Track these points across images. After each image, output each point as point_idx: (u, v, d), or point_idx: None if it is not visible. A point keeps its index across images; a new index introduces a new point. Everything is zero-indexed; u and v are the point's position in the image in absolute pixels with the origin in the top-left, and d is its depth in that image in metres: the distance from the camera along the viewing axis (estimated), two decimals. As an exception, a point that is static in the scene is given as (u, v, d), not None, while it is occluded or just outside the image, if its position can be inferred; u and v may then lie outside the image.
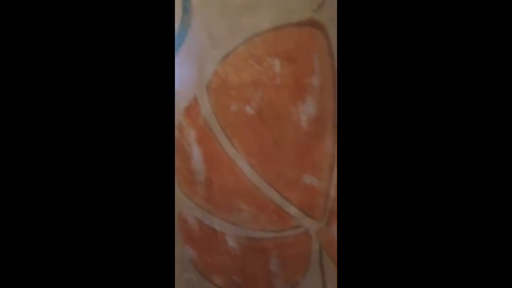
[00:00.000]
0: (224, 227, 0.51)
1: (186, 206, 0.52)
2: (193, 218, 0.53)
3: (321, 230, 0.46)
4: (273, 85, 0.42)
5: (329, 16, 0.39)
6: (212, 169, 0.49)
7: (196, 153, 0.50)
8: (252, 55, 0.42)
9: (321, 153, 0.42)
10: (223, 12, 0.42)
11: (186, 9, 0.43)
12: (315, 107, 0.41)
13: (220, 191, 0.50)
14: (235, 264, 0.53)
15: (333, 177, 0.43)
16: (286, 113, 0.42)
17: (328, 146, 0.42)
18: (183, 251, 0.55)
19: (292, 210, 0.46)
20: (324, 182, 0.43)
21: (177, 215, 0.53)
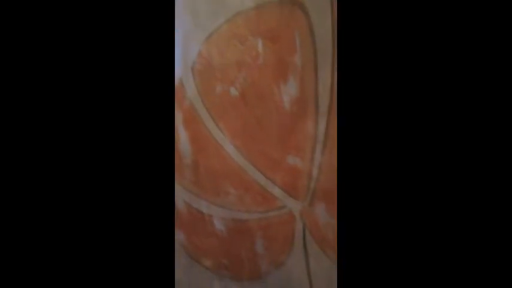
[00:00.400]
0: (211, 209, 0.52)
1: (175, 189, 0.52)
2: (182, 202, 0.53)
3: (304, 210, 0.46)
4: (256, 65, 0.42)
5: (309, -6, 0.39)
6: (199, 152, 0.50)
7: (183, 136, 0.50)
8: (235, 35, 0.42)
9: (303, 134, 0.43)
10: (207, -8, 0.42)
11: (171, -9, 0.43)
12: (297, 88, 0.41)
13: (207, 173, 0.50)
14: (222, 246, 0.53)
15: (315, 158, 0.43)
16: (269, 93, 0.42)
17: (310, 126, 0.42)
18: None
19: (276, 191, 0.47)
20: (307, 162, 0.44)
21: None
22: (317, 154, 0.43)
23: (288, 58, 0.41)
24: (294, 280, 0.50)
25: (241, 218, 0.50)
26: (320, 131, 0.42)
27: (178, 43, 0.45)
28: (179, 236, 0.56)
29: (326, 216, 0.45)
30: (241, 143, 0.47)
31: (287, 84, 0.42)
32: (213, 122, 0.47)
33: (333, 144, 0.42)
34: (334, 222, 0.44)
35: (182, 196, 0.53)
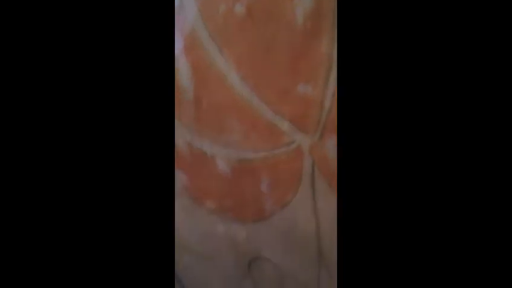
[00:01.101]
0: (214, 149, 0.49)
1: (175, 127, 0.50)
2: (183, 141, 0.51)
3: (313, 145, 0.43)
4: (264, -28, 0.37)
5: None
6: (201, 85, 0.46)
7: (183, 68, 0.46)
8: None
9: (317, 55, 0.39)
10: None
11: None
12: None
13: (210, 109, 0.47)
14: (226, 187, 0.52)
15: (329, 85, 0.40)
16: (280, 7, 0.38)
17: (325, 47, 0.38)
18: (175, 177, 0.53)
19: (284, 125, 0.44)
20: (319, 89, 0.40)
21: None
22: (331, 81, 0.39)
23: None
24: (300, 219, 0.49)
25: (246, 157, 0.48)
26: (335, 53, 0.38)
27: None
28: (181, 178, 0.54)
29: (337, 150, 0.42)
30: (248, 72, 0.43)
31: (300, -5, 0.37)
32: (217, 49, 0.43)
33: (349, 70, 0.38)
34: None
35: (183, 135, 0.50)
